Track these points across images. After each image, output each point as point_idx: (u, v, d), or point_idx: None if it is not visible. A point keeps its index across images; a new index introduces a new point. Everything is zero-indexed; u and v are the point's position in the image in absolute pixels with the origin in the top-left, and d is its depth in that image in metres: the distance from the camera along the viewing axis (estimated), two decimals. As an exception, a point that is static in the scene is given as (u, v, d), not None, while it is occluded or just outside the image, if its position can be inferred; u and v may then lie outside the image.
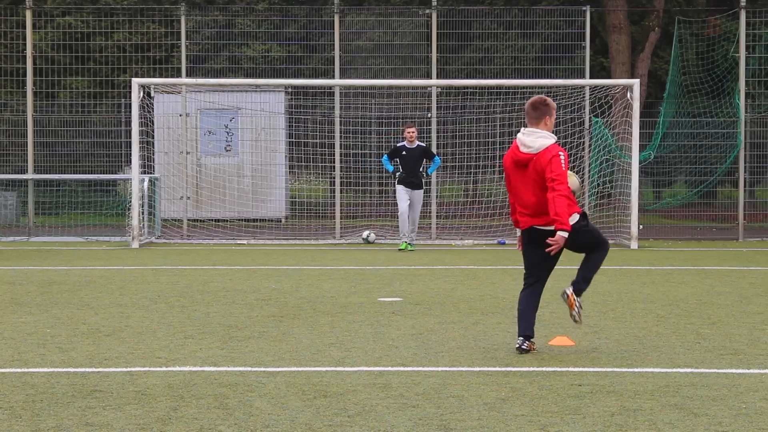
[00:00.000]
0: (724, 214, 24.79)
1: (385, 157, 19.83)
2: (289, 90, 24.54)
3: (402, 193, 19.52)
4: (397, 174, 19.65)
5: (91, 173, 24.16)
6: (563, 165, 8.28)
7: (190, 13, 25.30)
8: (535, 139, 8.40)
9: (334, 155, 23.27)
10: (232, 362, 8.05)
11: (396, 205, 19.93)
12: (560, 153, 8.34)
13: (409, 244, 19.61)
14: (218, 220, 23.63)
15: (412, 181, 19.55)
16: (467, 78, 25.05)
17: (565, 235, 8.21)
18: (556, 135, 26.28)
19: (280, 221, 24.59)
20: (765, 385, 7.24)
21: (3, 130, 25.18)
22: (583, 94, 23.38)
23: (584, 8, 23.86)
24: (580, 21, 24.19)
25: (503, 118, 23.90)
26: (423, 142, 23.29)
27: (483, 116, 23.80)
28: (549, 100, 8.61)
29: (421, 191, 19.77)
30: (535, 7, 25.98)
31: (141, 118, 21.36)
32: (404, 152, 19.52)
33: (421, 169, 19.68)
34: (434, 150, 23.04)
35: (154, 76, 24.66)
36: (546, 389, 7.04)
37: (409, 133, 19.50)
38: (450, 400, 6.72)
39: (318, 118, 24.00)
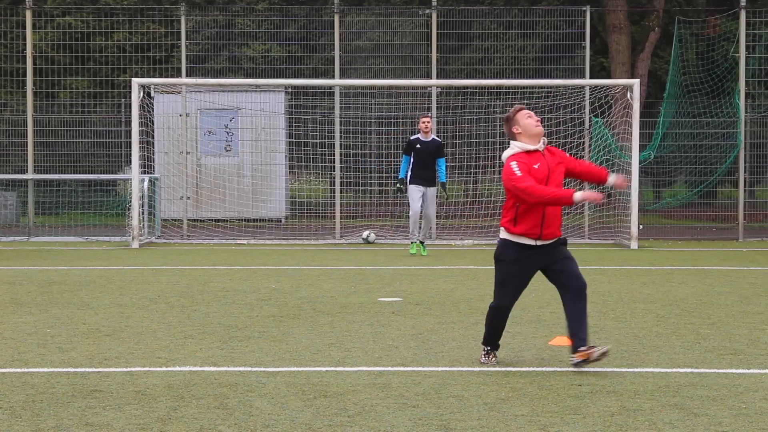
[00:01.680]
0: (724, 214, 24.80)
1: (404, 158, 18.47)
2: (289, 90, 24.54)
3: (415, 192, 18.31)
4: (400, 186, 18.62)
5: (91, 173, 24.16)
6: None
7: (190, 13, 25.30)
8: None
9: (334, 155, 23.27)
10: (232, 362, 8.05)
11: (403, 205, 19.03)
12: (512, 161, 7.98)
13: (422, 244, 18.76)
14: (218, 220, 23.63)
15: (426, 177, 18.26)
16: (467, 78, 25.05)
17: None
18: (557, 135, 26.17)
19: (280, 221, 24.59)
20: (765, 385, 7.24)
21: (3, 130, 25.18)
22: (583, 94, 23.38)
23: (584, 8, 23.86)
24: (580, 21, 24.19)
25: (503, 118, 23.89)
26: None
27: (483, 116, 23.80)
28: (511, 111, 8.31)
29: (434, 188, 18.58)
30: (535, 7, 25.98)
31: (141, 118, 21.36)
32: (419, 145, 18.26)
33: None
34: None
35: (154, 76, 24.66)
36: (546, 389, 7.03)
37: (424, 122, 18.22)
38: (450, 400, 6.72)
39: (318, 118, 24.00)
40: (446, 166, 19.31)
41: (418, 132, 18.60)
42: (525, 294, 12.51)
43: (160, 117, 24.22)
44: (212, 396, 6.83)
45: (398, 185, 18.84)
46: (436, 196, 19.18)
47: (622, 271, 15.80)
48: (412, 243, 18.83)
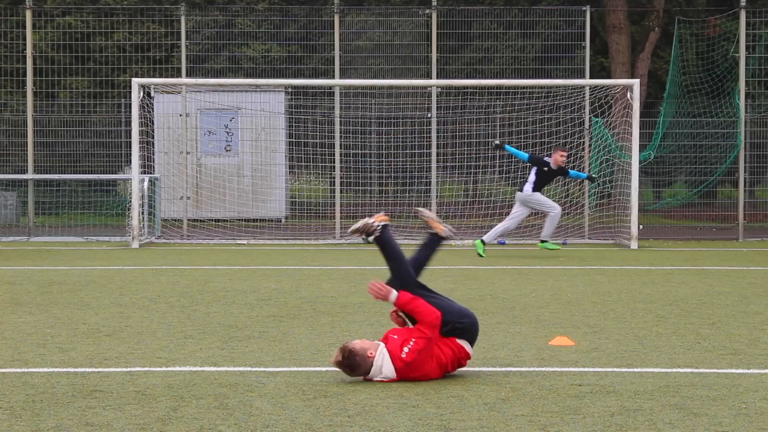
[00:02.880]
0: (724, 214, 24.80)
1: (524, 154, 18.88)
2: (289, 90, 24.53)
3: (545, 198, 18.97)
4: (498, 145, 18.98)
5: (91, 173, 24.16)
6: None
7: (190, 13, 25.30)
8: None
9: (334, 155, 23.27)
10: (232, 362, 8.04)
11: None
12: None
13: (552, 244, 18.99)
14: (218, 220, 23.63)
15: (546, 189, 19.16)
16: (467, 78, 25.05)
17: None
18: (557, 135, 26.13)
19: (280, 221, 24.59)
20: (765, 385, 7.24)
21: (3, 130, 25.18)
22: (583, 94, 23.38)
23: (584, 8, 23.86)
24: (580, 21, 24.19)
25: (503, 118, 23.90)
26: (424, 142, 23.35)
27: (483, 116, 23.79)
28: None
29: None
30: (535, 7, 25.99)
31: (141, 118, 21.36)
32: (546, 168, 18.59)
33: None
34: (435, 150, 23.07)
35: (154, 76, 24.66)
36: (546, 389, 7.03)
37: (562, 156, 18.72)
38: (450, 400, 6.72)
39: (318, 118, 24.00)
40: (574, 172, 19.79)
41: (549, 156, 18.81)
42: (525, 294, 12.55)
43: (160, 117, 24.21)
44: (212, 396, 6.83)
45: (496, 144, 19.28)
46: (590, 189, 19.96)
47: (622, 271, 15.80)
48: (543, 242, 18.63)
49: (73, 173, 23.90)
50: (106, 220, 24.33)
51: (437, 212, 23.43)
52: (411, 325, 7.53)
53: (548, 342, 8.94)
